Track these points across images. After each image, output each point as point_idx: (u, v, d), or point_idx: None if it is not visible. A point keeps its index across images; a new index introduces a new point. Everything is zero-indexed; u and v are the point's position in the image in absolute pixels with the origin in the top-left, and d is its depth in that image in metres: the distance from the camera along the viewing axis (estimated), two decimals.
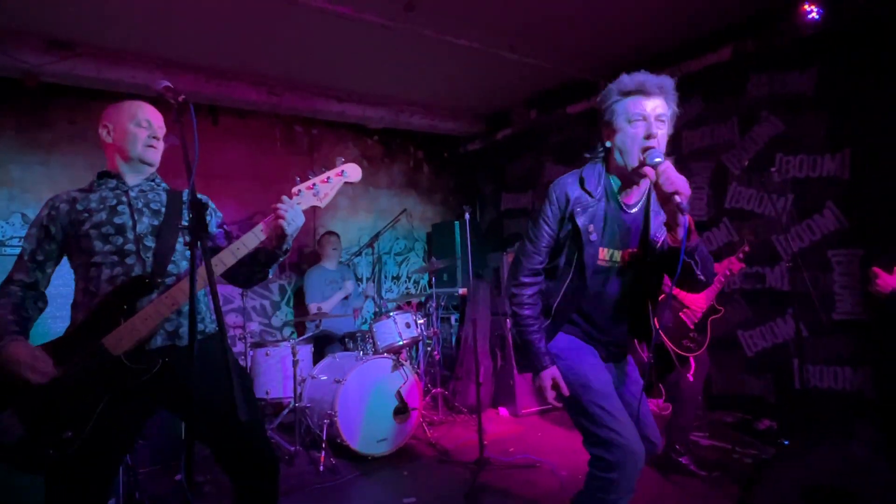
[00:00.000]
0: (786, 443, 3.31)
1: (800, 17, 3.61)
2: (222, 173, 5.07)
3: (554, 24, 4.08)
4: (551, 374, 1.84)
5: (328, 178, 1.81)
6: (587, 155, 1.94)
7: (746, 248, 3.30)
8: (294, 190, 1.78)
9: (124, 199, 1.82)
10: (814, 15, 3.55)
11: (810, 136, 3.84)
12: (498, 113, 6.10)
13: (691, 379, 3.15)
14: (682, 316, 3.19)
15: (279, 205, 1.74)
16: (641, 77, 1.77)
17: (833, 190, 3.73)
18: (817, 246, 3.80)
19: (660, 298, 3.13)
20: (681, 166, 3.64)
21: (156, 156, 1.89)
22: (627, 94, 1.78)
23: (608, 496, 1.78)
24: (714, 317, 3.26)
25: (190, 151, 1.45)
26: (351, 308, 4.92)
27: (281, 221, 1.72)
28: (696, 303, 3.21)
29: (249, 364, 4.05)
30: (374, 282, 6.00)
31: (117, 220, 1.77)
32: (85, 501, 1.64)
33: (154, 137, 1.86)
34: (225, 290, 5.02)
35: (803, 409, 3.69)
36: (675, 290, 3.10)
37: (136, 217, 1.79)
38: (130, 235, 1.75)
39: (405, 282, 6.40)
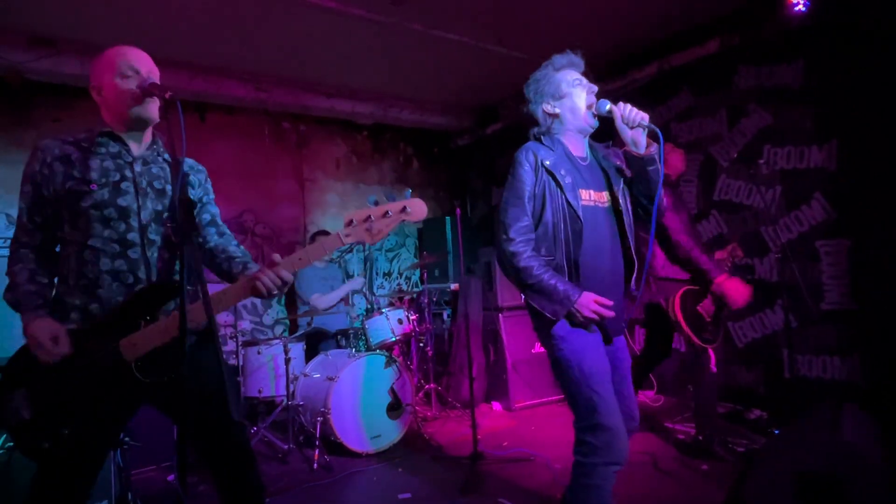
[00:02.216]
0: (776, 432, 3.36)
1: (786, 9, 3.63)
2: (210, 170, 4.95)
3: (541, 17, 4.07)
4: (590, 296, 1.89)
5: (387, 211, 1.61)
6: (535, 131, 2.17)
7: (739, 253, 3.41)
8: (347, 219, 1.62)
9: (129, 173, 1.66)
10: (800, 7, 3.57)
11: (797, 128, 3.87)
12: (487, 107, 6.09)
13: (714, 370, 3.20)
14: (699, 309, 3.19)
15: (261, 275, 1.60)
16: (569, 55, 2.14)
17: (820, 181, 3.76)
18: (805, 236, 3.83)
19: (682, 291, 3.17)
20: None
21: (153, 110, 1.67)
22: (560, 69, 2.13)
23: (592, 481, 1.89)
24: (727, 310, 3.28)
25: (178, 149, 1.43)
26: (341, 306, 4.90)
27: (261, 289, 1.60)
28: (741, 295, 3.12)
29: (241, 362, 4.02)
30: (365, 276, 5.98)
31: (121, 202, 1.62)
32: (72, 494, 1.62)
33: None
34: (215, 289, 4.97)
35: (793, 398, 3.73)
36: (726, 282, 3.10)
37: (140, 200, 1.65)
38: (135, 223, 1.63)
39: (397, 278, 6.39)
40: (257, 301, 5.34)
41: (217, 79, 4.67)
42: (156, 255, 1.66)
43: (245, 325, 5.21)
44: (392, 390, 3.73)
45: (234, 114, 5.29)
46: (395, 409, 3.71)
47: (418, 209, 1.65)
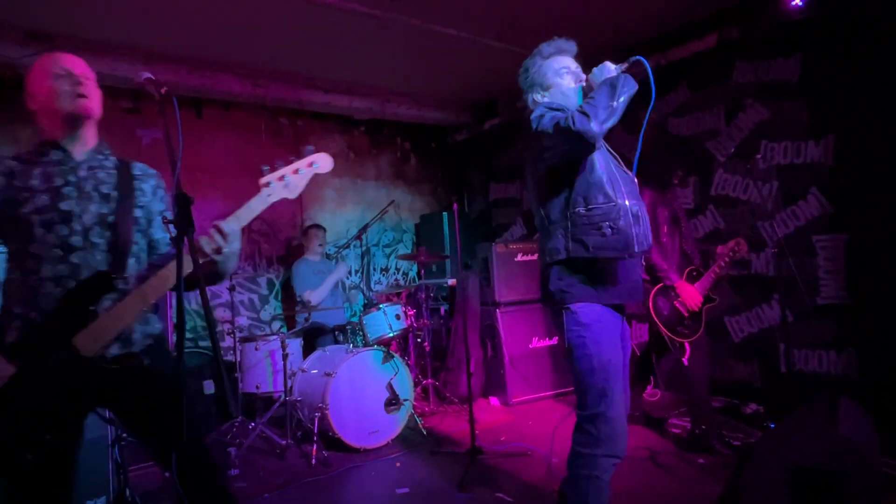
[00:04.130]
0: (772, 426, 3.37)
1: (784, 3, 3.63)
2: (207, 166, 5.02)
3: (539, 12, 4.06)
4: None
5: (297, 169, 1.74)
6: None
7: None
8: (263, 181, 1.70)
9: (72, 178, 1.64)
10: (798, 2, 3.57)
11: (794, 123, 3.87)
12: (485, 103, 6.08)
13: (686, 363, 3.24)
14: (677, 304, 3.24)
15: (202, 235, 1.61)
16: (556, 42, 2.13)
17: (817, 176, 3.77)
18: (802, 231, 3.84)
19: (657, 288, 3.27)
20: (667, 153, 3.66)
21: (93, 106, 1.69)
22: (548, 57, 2.13)
23: (591, 472, 1.91)
24: (709, 305, 3.32)
25: (174, 145, 1.43)
26: (341, 301, 4.90)
27: (204, 246, 1.61)
28: (691, 298, 3.26)
29: (239, 358, 4.03)
30: (362, 274, 5.99)
31: (63, 206, 1.60)
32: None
33: (79, 85, 1.66)
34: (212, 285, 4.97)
35: (789, 393, 3.75)
36: (677, 283, 3.25)
37: (82, 204, 1.63)
38: (77, 227, 1.61)
39: (394, 273, 6.39)
40: (255, 297, 5.33)
41: (214, 74, 4.64)
42: (98, 258, 1.63)
43: (242, 321, 5.21)
44: (390, 386, 3.73)
45: (230, 109, 5.28)
46: (392, 404, 3.72)
47: (325, 161, 1.78)
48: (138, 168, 1.82)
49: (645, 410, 3.81)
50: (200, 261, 1.60)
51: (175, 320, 1.40)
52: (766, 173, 4.00)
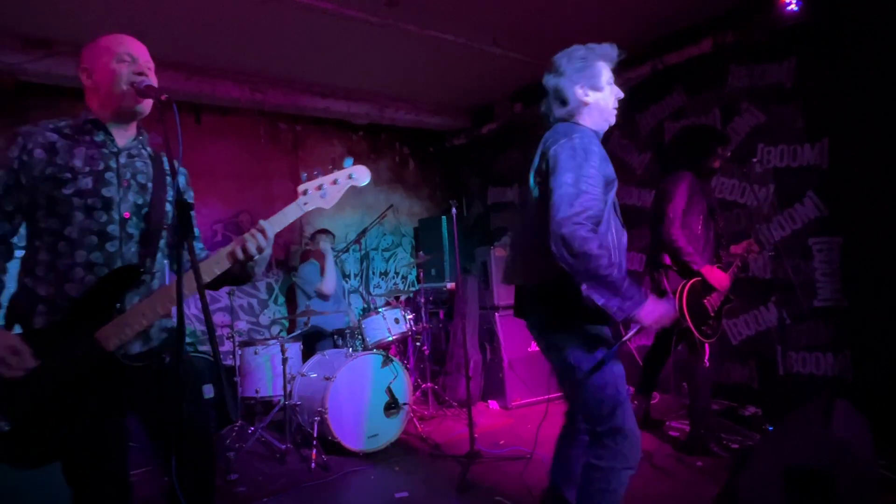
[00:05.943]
0: (770, 428, 3.38)
1: (779, 8, 3.65)
2: (206, 172, 5.03)
3: (536, 17, 4.09)
4: (662, 304, 1.74)
5: (336, 179, 1.75)
6: (558, 115, 2.01)
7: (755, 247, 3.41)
8: (300, 189, 1.70)
9: (113, 164, 1.61)
10: (792, 6, 3.59)
11: (790, 127, 3.90)
12: (483, 107, 6.11)
13: (707, 365, 3.21)
14: (706, 302, 3.20)
15: (247, 235, 1.62)
16: (615, 49, 2.00)
17: (813, 179, 3.79)
18: (798, 234, 3.86)
19: (692, 282, 3.12)
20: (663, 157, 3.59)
21: (145, 103, 1.66)
22: (602, 57, 1.98)
23: (609, 486, 1.86)
24: (728, 306, 3.31)
25: (174, 151, 1.44)
26: (342, 306, 4.91)
27: (251, 248, 1.61)
28: (722, 281, 3.16)
29: (238, 363, 4.04)
30: (362, 278, 6.00)
31: (105, 193, 1.57)
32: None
33: (141, 74, 1.62)
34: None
35: (786, 395, 3.76)
36: (704, 269, 3.13)
37: (122, 192, 1.60)
38: (115, 215, 1.58)
39: (393, 278, 6.40)
40: (254, 301, 5.34)
41: (213, 80, 4.67)
42: (132, 249, 1.62)
43: (242, 325, 5.21)
44: (389, 389, 3.74)
45: (229, 115, 5.30)
46: (392, 408, 3.73)
47: (362, 173, 1.80)
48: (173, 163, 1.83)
49: (646, 413, 3.81)
50: (238, 263, 1.63)
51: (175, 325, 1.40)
52: (763, 176, 4.03)
